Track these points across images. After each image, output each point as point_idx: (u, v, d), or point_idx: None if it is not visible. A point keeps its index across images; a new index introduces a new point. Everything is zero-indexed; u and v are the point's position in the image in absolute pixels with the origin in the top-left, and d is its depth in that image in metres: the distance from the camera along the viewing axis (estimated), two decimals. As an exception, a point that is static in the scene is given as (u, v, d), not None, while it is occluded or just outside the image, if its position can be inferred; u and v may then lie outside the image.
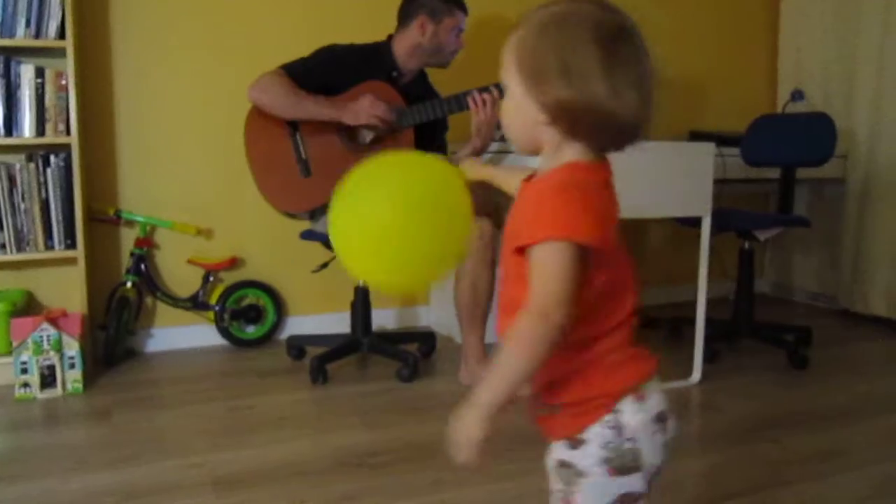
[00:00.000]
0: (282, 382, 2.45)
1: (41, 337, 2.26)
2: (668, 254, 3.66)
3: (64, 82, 2.43)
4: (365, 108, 2.33)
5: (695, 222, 2.39)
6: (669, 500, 1.63)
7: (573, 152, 0.86)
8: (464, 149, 2.45)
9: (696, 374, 2.42)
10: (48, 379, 2.27)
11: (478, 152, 2.45)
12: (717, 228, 2.41)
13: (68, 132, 2.44)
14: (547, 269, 0.80)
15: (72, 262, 2.51)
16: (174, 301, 2.77)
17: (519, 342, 0.81)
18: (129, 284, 2.65)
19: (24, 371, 2.25)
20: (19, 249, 2.43)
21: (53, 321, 2.30)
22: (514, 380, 0.82)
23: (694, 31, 3.62)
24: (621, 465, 0.86)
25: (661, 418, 0.88)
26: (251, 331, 2.90)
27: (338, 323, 2.86)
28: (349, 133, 2.47)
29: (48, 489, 1.66)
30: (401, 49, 2.53)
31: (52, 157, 2.44)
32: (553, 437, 0.92)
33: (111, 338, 2.56)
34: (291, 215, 2.56)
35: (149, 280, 2.73)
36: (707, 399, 2.31)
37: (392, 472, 1.74)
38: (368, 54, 2.51)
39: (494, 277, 2.31)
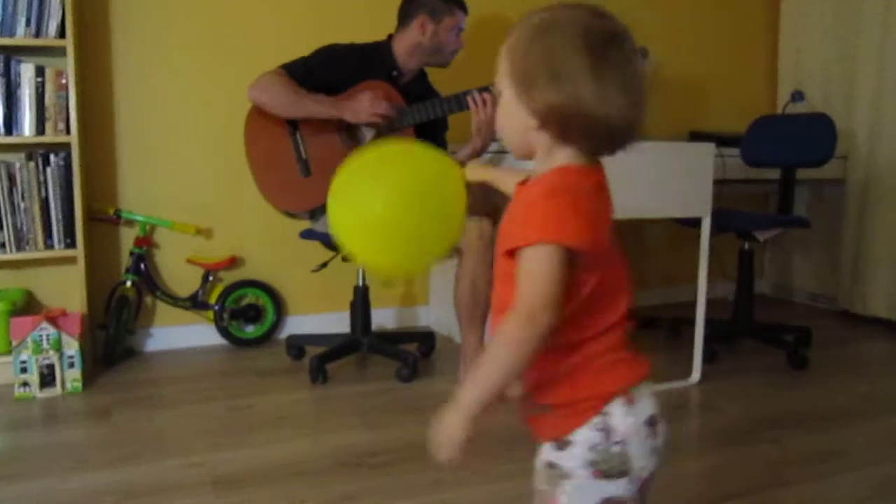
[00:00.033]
0: (281, 382, 2.45)
1: (41, 336, 2.26)
2: (667, 254, 3.66)
3: (64, 81, 2.43)
4: (365, 105, 2.33)
5: (695, 223, 2.39)
6: (669, 500, 1.63)
7: (565, 156, 0.87)
8: (464, 148, 2.45)
9: (696, 375, 2.42)
10: (47, 378, 2.27)
11: (478, 152, 2.45)
12: (716, 229, 2.41)
13: (68, 131, 2.44)
14: (535, 272, 0.81)
15: (71, 261, 2.51)
16: (174, 300, 2.77)
17: (504, 343, 0.82)
18: (128, 284, 2.65)
19: (24, 370, 2.25)
20: (19, 248, 2.43)
21: (53, 320, 2.30)
22: (497, 380, 0.83)
23: (694, 31, 3.62)
24: (607, 468, 0.86)
25: (651, 422, 0.88)
26: (251, 330, 2.90)
27: (337, 322, 2.86)
28: (349, 132, 2.47)
29: (48, 488, 1.66)
30: (401, 48, 2.53)
31: (51, 157, 2.44)
32: (541, 437, 0.92)
33: (111, 337, 2.56)
34: (291, 215, 2.56)
35: (148, 279, 2.73)
36: (707, 399, 2.31)
37: (392, 472, 1.74)
38: (368, 54, 2.51)
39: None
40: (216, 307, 2.80)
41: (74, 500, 1.61)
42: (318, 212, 2.49)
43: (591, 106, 0.81)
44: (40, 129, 2.42)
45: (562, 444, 0.88)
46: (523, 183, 0.94)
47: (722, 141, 2.80)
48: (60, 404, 2.23)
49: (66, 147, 2.44)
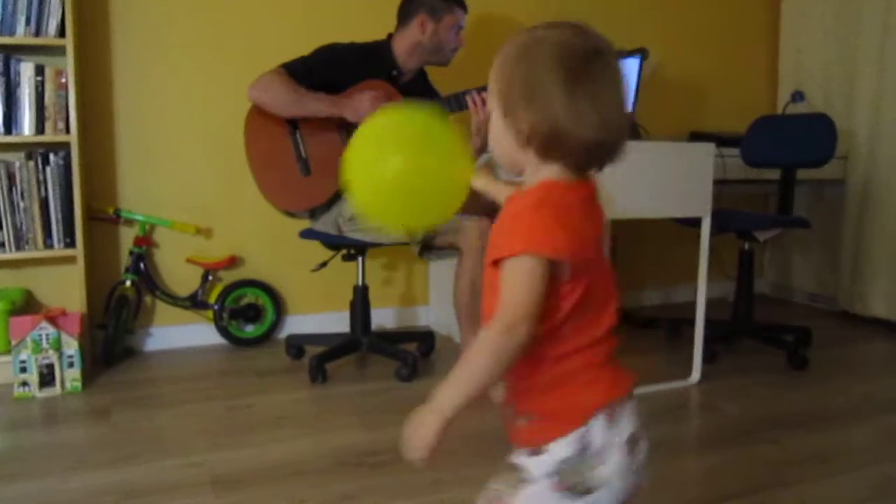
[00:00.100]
0: (281, 382, 2.45)
1: (40, 336, 2.26)
2: (667, 254, 3.66)
3: (64, 80, 2.43)
4: (366, 104, 2.33)
5: (695, 223, 2.39)
6: (669, 500, 1.63)
7: (551, 172, 0.88)
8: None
9: (696, 375, 2.42)
10: (47, 378, 2.27)
11: (477, 152, 2.45)
12: (716, 229, 2.41)
13: (68, 130, 2.43)
14: (516, 282, 0.82)
15: (71, 260, 2.51)
16: (173, 300, 2.77)
17: (482, 351, 0.83)
18: (128, 283, 2.65)
19: (23, 370, 2.25)
20: (18, 248, 2.43)
21: (52, 320, 2.30)
22: (473, 387, 0.84)
23: (694, 31, 3.62)
24: (572, 483, 0.86)
25: (632, 440, 0.88)
26: (250, 330, 2.90)
27: (337, 322, 2.86)
28: (349, 131, 2.46)
29: (47, 488, 1.66)
30: (401, 48, 2.53)
31: (51, 156, 2.44)
32: (518, 444, 0.92)
33: (110, 337, 2.56)
34: (291, 214, 2.56)
35: (148, 279, 2.73)
36: (706, 399, 2.31)
37: (391, 472, 1.74)
38: (368, 53, 2.51)
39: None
40: (216, 307, 2.80)
41: (74, 500, 1.61)
42: (318, 211, 2.49)
43: (567, 127, 0.84)
44: (40, 128, 2.42)
45: (535, 452, 0.88)
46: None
47: (722, 141, 2.80)
48: (60, 404, 2.22)
49: (65, 146, 2.44)
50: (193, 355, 2.75)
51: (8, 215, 2.41)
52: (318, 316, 3.00)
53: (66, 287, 2.58)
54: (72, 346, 2.30)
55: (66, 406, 2.21)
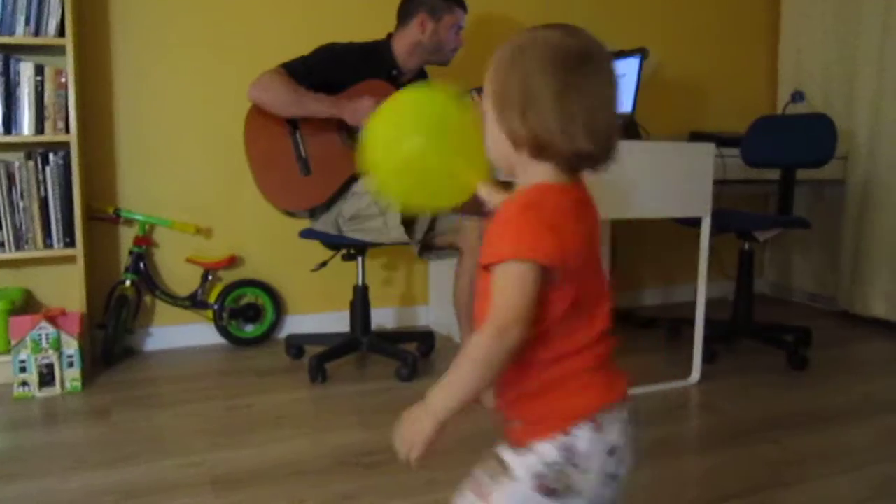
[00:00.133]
0: (280, 381, 2.45)
1: (40, 335, 2.26)
2: (667, 254, 3.66)
3: (63, 80, 2.42)
4: (366, 111, 2.32)
5: (695, 222, 2.39)
6: (669, 500, 1.63)
7: (542, 174, 0.89)
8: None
9: (696, 375, 2.42)
10: (47, 378, 2.27)
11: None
12: (716, 229, 2.41)
13: (67, 130, 2.43)
14: (508, 287, 0.83)
15: (71, 260, 2.50)
16: (173, 300, 2.77)
17: (475, 355, 0.84)
18: (127, 283, 2.65)
19: (23, 370, 2.25)
20: (18, 248, 2.43)
21: (52, 320, 2.30)
22: (467, 390, 0.85)
23: (694, 31, 3.62)
24: (552, 485, 0.86)
25: (614, 451, 0.88)
26: (250, 330, 2.90)
27: (337, 322, 2.86)
28: (349, 131, 2.46)
29: (47, 488, 1.66)
30: (401, 47, 2.53)
31: (51, 156, 2.44)
32: (508, 440, 0.93)
33: (110, 336, 2.56)
34: (291, 214, 2.56)
35: (148, 279, 2.73)
36: (706, 399, 2.31)
37: (391, 472, 1.73)
38: (368, 53, 2.51)
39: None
40: (215, 306, 2.80)
41: (74, 500, 1.61)
42: (318, 210, 2.48)
43: (556, 135, 0.84)
44: (39, 128, 2.42)
45: (522, 450, 0.89)
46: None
47: (722, 141, 2.80)
48: (59, 404, 2.22)
49: (65, 146, 2.44)
50: (193, 355, 2.75)
51: (8, 215, 2.40)
52: (317, 316, 3.00)
53: (66, 287, 2.58)
54: (71, 346, 2.30)
55: (66, 406, 2.21)
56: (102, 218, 2.67)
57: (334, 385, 2.40)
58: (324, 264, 2.60)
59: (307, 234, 2.52)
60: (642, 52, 2.50)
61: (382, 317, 3.06)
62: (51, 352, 2.26)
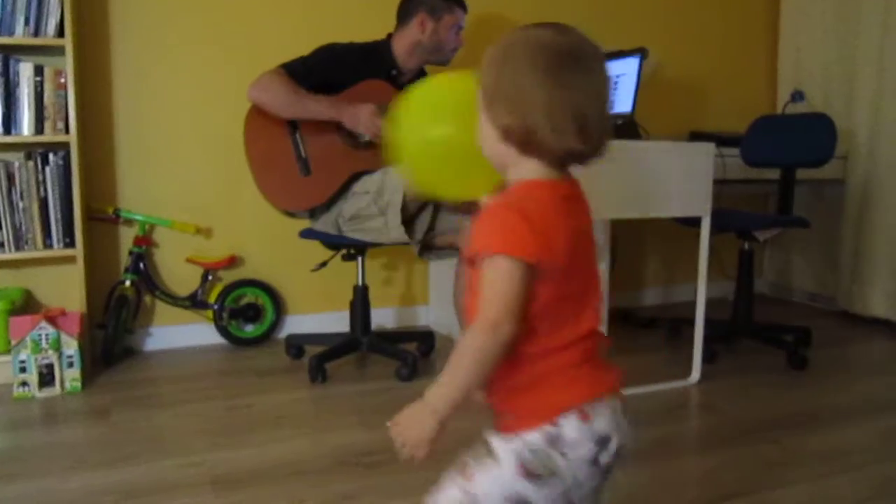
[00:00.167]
0: (280, 381, 2.45)
1: (40, 336, 2.26)
2: (667, 254, 3.66)
3: (63, 80, 2.42)
4: (364, 117, 2.31)
5: (694, 222, 2.39)
6: (669, 500, 1.63)
7: (531, 168, 0.90)
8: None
9: (696, 375, 2.42)
10: (47, 378, 2.27)
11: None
12: (716, 229, 2.41)
13: (67, 130, 2.43)
14: (497, 281, 0.84)
15: (70, 260, 2.50)
16: (173, 300, 2.77)
17: (469, 350, 0.85)
18: (127, 283, 2.65)
19: (23, 370, 2.25)
20: (18, 248, 2.42)
21: (52, 320, 2.30)
22: (465, 385, 0.86)
23: (694, 31, 3.62)
24: (534, 469, 0.87)
25: (601, 442, 0.89)
26: (250, 330, 2.90)
27: (337, 322, 2.86)
28: (349, 132, 2.46)
29: (47, 488, 1.66)
30: (400, 47, 2.53)
31: (50, 156, 2.43)
32: (496, 428, 0.95)
33: (110, 336, 2.56)
34: (291, 214, 2.56)
35: (147, 279, 2.73)
36: (706, 399, 2.31)
37: (391, 472, 1.74)
38: (368, 53, 2.51)
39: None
40: (215, 306, 2.80)
41: (74, 500, 1.61)
42: (318, 211, 2.48)
43: (544, 127, 0.85)
44: (39, 128, 2.42)
45: (509, 437, 0.90)
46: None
47: (722, 141, 2.80)
48: (59, 404, 2.22)
49: (64, 146, 2.44)
50: (193, 355, 2.75)
51: (7, 215, 2.40)
52: (317, 316, 3.00)
53: (66, 287, 2.58)
54: (71, 346, 2.30)
55: (66, 406, 2.21)
56: (102, 218, 2.67)
57: (334, 385, 2.40)
58: (324, 264, 2.60)
59: (307, 234, 2.52)
60: (642, 52, 2.50)
61: (382, 317, 3.06)
62: (51, 352, 2.26)
